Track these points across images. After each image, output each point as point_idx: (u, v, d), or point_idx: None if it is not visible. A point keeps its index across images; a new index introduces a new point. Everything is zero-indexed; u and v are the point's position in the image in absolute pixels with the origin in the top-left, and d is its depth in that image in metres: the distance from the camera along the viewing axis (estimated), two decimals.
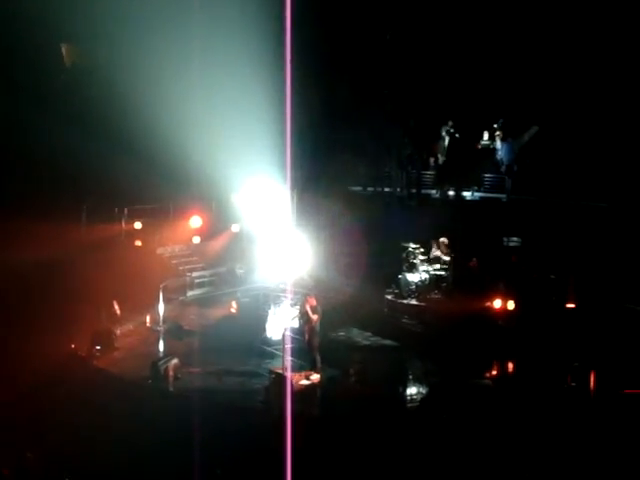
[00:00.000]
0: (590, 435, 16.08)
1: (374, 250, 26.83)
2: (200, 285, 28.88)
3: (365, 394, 19.11)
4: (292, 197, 28.89)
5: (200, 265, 29.74)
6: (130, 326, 24.00)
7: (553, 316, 22.53)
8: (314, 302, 20.03)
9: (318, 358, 19.85)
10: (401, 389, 20.17)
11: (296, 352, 20.40)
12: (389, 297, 25.26)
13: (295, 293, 23.91)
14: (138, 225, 28.73)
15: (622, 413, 17.09)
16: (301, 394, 18.30)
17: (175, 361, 19.95)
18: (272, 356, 21.40)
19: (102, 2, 28.19)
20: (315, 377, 19.48)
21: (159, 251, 29.38)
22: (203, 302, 27.66)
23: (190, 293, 28.35)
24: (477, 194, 29.78)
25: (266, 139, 25.53)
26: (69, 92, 28.34)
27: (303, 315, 20.34)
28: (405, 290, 24.84)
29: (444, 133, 31.10)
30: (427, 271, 24.83)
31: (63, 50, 30.98)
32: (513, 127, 30.16)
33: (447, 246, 25.14)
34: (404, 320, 24.43)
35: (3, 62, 26.71)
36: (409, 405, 19.28)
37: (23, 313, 21.90)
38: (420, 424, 17.54)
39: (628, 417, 16.87)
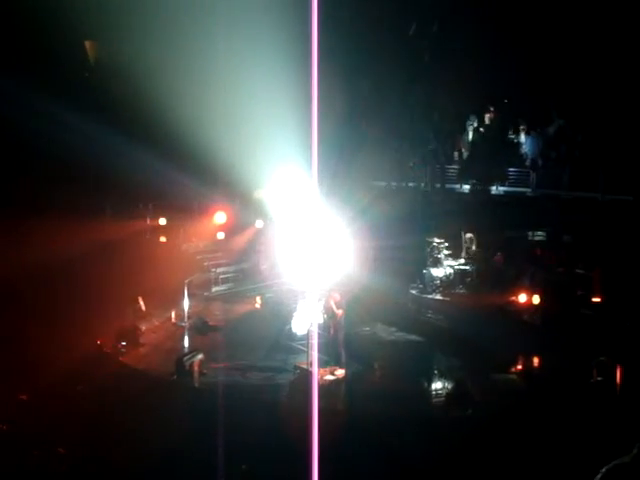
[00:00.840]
0: (615, 430, 15.99)
1: (398, 245, 26.78)
2: (225, 281, 29.00)
3: (390, 389, 19.12)
4: (317, 193, 28.80)
5: (225, 261, 29.84)
6: (155, 322, 24.16)
7: (579, 310, 22.42)
8: (338, 297, 20.07)
9: (343, 353, 19.88)
10: (426, 384, 20.17)
11: (321, 347, 20.40)
12: (414, 292, 25.27)
13: (320, 288, 23.94)
14: (163, 221, 28.87)
15: None
16: (326, 389, 18.31)
17: (200, 357, 20.02)
18: (297, 351, 21.44)
19: None
20: (340, 372, 19.46)
21: (184, 247, 29.51)
22: (228, 298, 27.77)
23: (215, 289, 28.47)
24: (501, 188, 29.64)
25: (291, 134, 25.51)
26: (93, 89, 28.42)
27: (328, 310, 20.38)
28: (430, 285, 24.85)
29: (468, 127, 31.02)
30: (452, 266, 24.81)
31: (87, 47, 31.08)
32: (538, 120, 30.00)
33: (472, 241, 25.11)
34: (429, 315, 24.44)
35: (26, 60, 26.80)
36: (434, 400, 19.26)
37: (49, 309, 22.02)
38: (445, 419, 17.53)
39: None
